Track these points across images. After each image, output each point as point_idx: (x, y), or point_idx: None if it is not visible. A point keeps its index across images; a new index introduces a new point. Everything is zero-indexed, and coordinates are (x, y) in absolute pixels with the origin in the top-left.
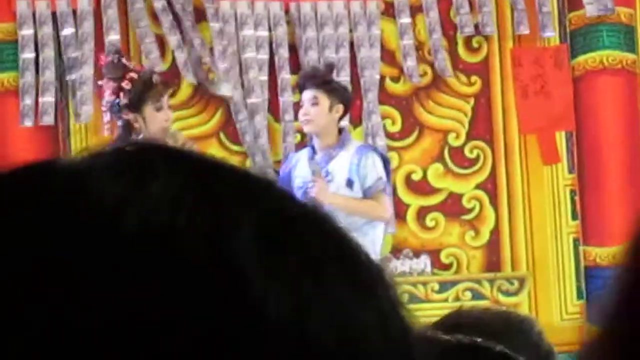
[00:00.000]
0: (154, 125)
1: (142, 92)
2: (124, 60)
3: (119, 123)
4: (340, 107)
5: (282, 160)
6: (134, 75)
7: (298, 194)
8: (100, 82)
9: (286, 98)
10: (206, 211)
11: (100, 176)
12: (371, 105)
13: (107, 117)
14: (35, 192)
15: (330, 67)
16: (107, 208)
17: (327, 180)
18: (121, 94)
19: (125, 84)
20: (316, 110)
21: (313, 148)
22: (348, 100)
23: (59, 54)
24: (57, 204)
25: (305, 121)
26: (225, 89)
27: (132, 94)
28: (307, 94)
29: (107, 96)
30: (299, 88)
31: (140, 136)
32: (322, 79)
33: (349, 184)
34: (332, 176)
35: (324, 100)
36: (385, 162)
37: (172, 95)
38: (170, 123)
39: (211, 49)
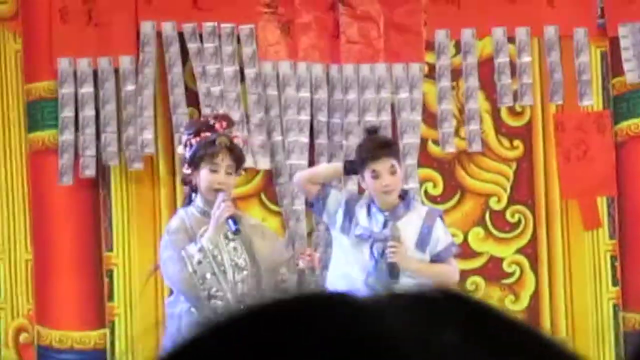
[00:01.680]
0: (205, 185)
1: (200, 149)
2: (213, 122)
3: (183, 178)
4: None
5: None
6: (208, 134)
7: (360, 241)
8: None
9: (324, 161)
10: None
11: (398, 319)
12: (410, 169)
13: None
14: (340, 327)
15: (376, 131)
16: (402, 351)
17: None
18: (186, 150)
19: (195, 140)
20: (395, 179)
21: (376, 206)
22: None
23: (96, 110)
24: (360, 339)
25: (386, 192)
26: (262, 164)
27: (192, 150)
28: (384, 164)
29: (180, 150)
30: (365, 158)
31: (199, 194)
32: (394, 149)
33: (421, 246)
34: (400, 235)
35: (398, 167)
36: (445, 226)
37: (238, 163)
38: (226, 187)
39: (247, 116)
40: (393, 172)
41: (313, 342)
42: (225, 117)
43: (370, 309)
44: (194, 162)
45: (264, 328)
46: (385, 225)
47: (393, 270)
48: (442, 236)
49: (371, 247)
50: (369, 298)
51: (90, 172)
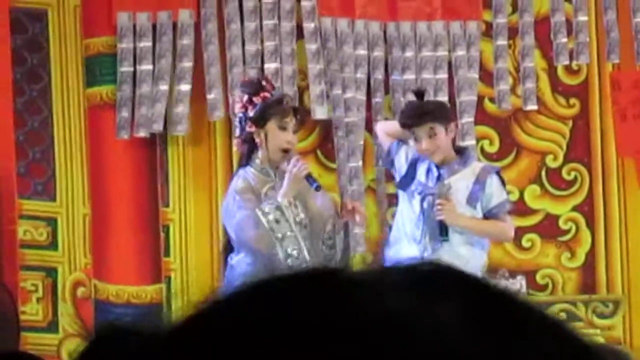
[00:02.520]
0: (274, 143)
1: (270, 107)
2: (264, 82)
3: (243, 137)
4: (452, 126)
5: (376, 180)
6: (267, 94)
7: (413, 197)
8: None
9: (381, 118)
10: (493, 340)
11: (392, 290)
12: (466, 127)
13: (236, 132)
14: (332, 300)
15: (420, 94)
16: (400, 317)
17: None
18: (249, 107)
19: (257, 99)
20: (437, 142)
21: (433, 163)
22: (452, 114)
23: (152, 65)
24: (353, 312)
25: (429, 155)
26: (320, 113)
27: (259, 108)
28: (422, 129)
29: (238, 109)
30: (407, 124)
31: (259, 153)
32: (430, 114)
33: (471, 202)
34: (453, 190)
35: (440, 129)
36: (504, 184)
37: (300, 124)
38: (292, 147)
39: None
40: (432, 135)
41: (308, 319)
42: (268, 79)
43: (366, 285)
44: (261, 120)
45: (265, 306)
46: (439, 180)
47: (441, 227)
48: (496, 193)
49: (421, 202)
50: (364, 273)
51: (144, 130)
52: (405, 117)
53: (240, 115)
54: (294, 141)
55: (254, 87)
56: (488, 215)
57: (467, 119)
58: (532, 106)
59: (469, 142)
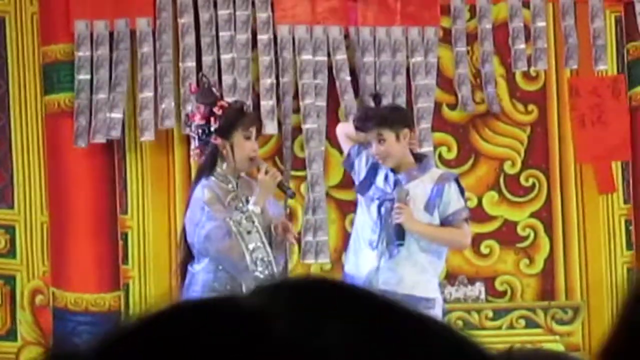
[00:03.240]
0: (241, 153)
1: (234, 119)
2: (213, 88)
3: (205, 148)
4: (406, 132)
5: (339, 185)
6: (224, 103)
7: (371, 202)
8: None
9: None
10: (380, 356)
11: (281, 318)
12: (424, 133)
13: (194, 142)
14: (224, 329)
15: (378, 99)
16: (288, 345)
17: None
18: (212, 119)
19: (217, 110)
20: (385, 148)
21: (390, 169)
22: (409, 120)
23: (109, 73)
24: (243, 343)
25: (380, 160)
26: (270, 128)
27: (223, 120)
28: (371, 134)
29: (198, 120)
30: (358, 129)
31: (225, 165)
32: (378, 119)
33: (429, 208)
34: (411, 196)
35: (389, 135)
36: (462, 192)
37: (258, 130)
38: (256, 154)
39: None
40: (381, 141)
41: (195, 351)
42: (215, 86)
43: (253, 310)
44: (227, 131)
45: (153, 339)
46: (396, 186)
47: (398, 232)
48: (454, 200)
49: (379, 207)
50: (254, 295)
51: (101, 137)
52: (356, 120)
53: (202, 127)
54: (257, 149)
55: (210, 97)
56: (445, 223)
57: (425, 125)
58: (497, 108)
59: (427, 148)
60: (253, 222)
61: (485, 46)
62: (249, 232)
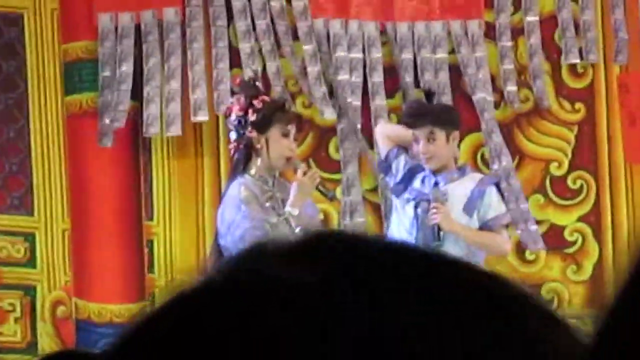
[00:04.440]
0: (277, 150)
1: (273, 113)
2: (257, 83)
3: (240, 143)
4: (456, 134)
5: (376, 189)
6: (266, 98)
7: (409, 206)
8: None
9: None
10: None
11: (273, 262)
12: (490, 124)
13: (233, 135)
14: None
15: (431, 95)
16: (270, 282)
17: (444, 199)
18: (250, 111)
19: (257, 102)
20: (435, 147)
21: (430, 170)
22: (459, 122)
23: (140, 66)
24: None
25: (426, 159)
26: (328, 113)
27: (261, 113)
28: (422, 131)
29: (236, 111)
30: (407, 124)
31: (259, 161)
32: (431, 116)
33: (468, 210)
34: (449, 197)
35: (440, 135)
36: (503, 197)
37: (298, 130)
38: (294, 154)
39: (304, 70)
40: (431, 139)
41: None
42: (259, 81)
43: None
44: (264, 126)
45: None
46: (435, 187)
47: (435, 233)
48: (495, 204)
49: (415, 207)
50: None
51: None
52: (406, 116)
53: (239, 118)
54: (295, 148)
55: (252, 89)
56: (484, 227)
57: (487, 116)
58: (547, 103)
59: (496, 139)
60: (290, 225)
61: (532, 39)
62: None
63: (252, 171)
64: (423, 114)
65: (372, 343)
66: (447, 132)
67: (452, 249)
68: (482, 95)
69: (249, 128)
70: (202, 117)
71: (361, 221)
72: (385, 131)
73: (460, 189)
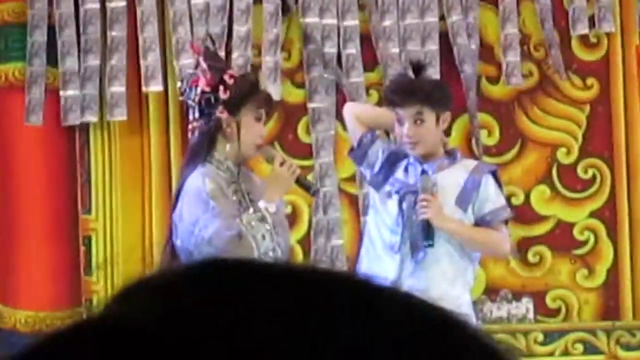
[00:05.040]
0: (249, 136)
1: (248, 92)
2: (220, 54)
3: (205, 124)
4: (447, 115)
5: (354, 177)
6: (234, 73)
7: (392, 200)
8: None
9: (359, 102)
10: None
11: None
12: (472, 105)
13: (193, 114)
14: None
15: (420, 68)
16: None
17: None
18: (221, 88)
19: (228, 78)
20: (423, 130)
21: (415, 157)
22: (451, 101)
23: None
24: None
25: (411, 144)
26: (273, 93)
27: (235, 91)
28: (408, 111)
29: (202, 86)
30: (392, 101)
31: (228, 147)
32: (421, 94)
33: (462, 203)
34: (439, 188)
35: (430, 116)
36: (501, 187)
37: (268, 114)
38: (263, 141)
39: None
40: (419, 121)
41: None
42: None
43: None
44: (236, 107)
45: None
46: (424, 175)
47: (426, 230)
48: (493, 196)
49: (400, 201)
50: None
51: (74, 117)
52: (391, 92)
53: (208, 95)
54: (264, 134)
55: (219, 62)
56: (480, 223)
57: (472, 95)
58: (564, 76)
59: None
60: (266, 223)
61: (541, 2)
62: (263, 237)
63: (217, 158)
64: (411, 91)
65: None
66: (437, 113)
67: (444, 247)
68: (470, 71)
69: (220, 108)
70: (156, 86)
71: (336, 216)
72: (356, 112)
73: (451, 179)
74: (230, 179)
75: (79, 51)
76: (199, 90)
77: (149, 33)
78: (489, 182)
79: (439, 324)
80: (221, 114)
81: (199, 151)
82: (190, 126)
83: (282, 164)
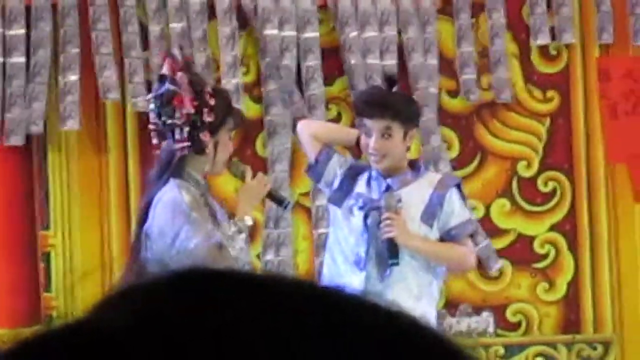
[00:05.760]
0: (224, 153)
1: (227, 113)
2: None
3: (189, 146)
4: (413, 133)
5: (310, 193)
6: (210, 91)
7: (354, 217)
8: None
9: (318, 115)
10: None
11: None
12: (429, 124)
13: (181, 134)
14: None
15: (392, 83)
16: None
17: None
18: (205, 111)
19: (209, 98)
20: (390, 144)
21: (378, 172)
22: (419, 118)
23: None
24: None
25: (376, 157)
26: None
27: (217, 113)
28: (377, 124)
29: (188, 107)
30: (361, 112)
31: (200, 161)
32: (392, 109)
33: (427, 219)
34: (403, 204)
35: (398, 131)
36: (464, 199)
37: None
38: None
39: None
40: (387, 135)
41: None
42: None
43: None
44: (216, 127)
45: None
46: (386, 191)
47: (391, 248)
48: (457, 210)
49: (365, 218)
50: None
51: (17, 138)
52: (362, 103)
53: (193, 117)
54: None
55: (201, 80)
56: (446, 238)
57: (430, 114)
58: (506, 97)
59: (435, 143)
60: (244, 236)
61: (494, 17)
62: (241, 249)
63: (187, 172)
64: (383, 104)
65: None
66: (405, 129)
67: (408, 265)
68: (426, 87)
69: (204, 131)
70: (112, 98)
71: (286, 231)
72: (311, 129)
73: (416, 195)
74: (199, 192)
75: (27, 74)
76: (184, 111)
77: (106, 49)
78: (453, 196)
79: (411, 328)
80: (205, 137)
81: (174, 168)
82: (173, 146)
83: (253, 177)
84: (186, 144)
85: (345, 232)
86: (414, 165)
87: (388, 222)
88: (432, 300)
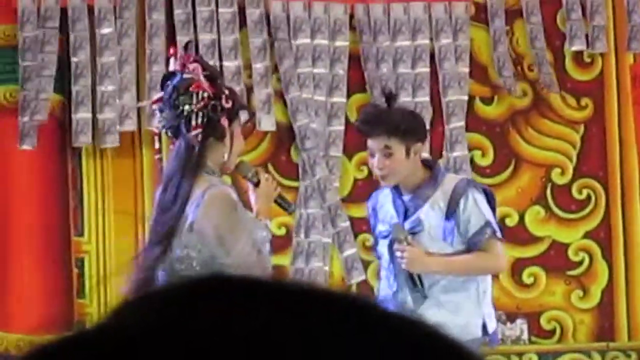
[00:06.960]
0: (238, 147)
1: (240, 105)
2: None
3: (211, 130)
4: (418, 147)
5: (347, 198)
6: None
7: (382, 242)
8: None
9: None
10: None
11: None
12: (456, 133)
13: (196, 119)
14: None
15: (392, 98)
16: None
17: (417, 230)
18: (223, 97)
19: (224, 88)
20: (392, 163)
21: (397, 188)
22: (425, 130)
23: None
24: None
25: (381, 176)
26: (266, 124)
27: (234, 101)
28: (376, 143)
29: (208, 90)
30: (361, 132)
31: (225, 156)
32: (389, 126)
33: (447, 238)
34: (424, 226)
35: (399, 148)
36: (489, 197)
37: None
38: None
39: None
40: (387, 155)
41: None
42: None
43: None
44: (232, 116)
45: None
46: (406, 215)
47: (411, 278)
48: (472, 218)
49: (389, 246)
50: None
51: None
52: (360, 122)
53: (213, 101)
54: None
55: (215, 71)
56: (471, 246)
57: (457, 123)
58: (555, 89)
59: (460, 152)
60: (269, 241)
61: (532, 21)
62: (267, 254)
63: (211, 168)
64: (378, 122)
65: None
66: (407, 144)
67: (436, 287)
68: (453, 97)
69: (224, 117)
70: (130, 126)
71: (317, 239)
72: None
73: (433, 215)
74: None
75: (68, 76)
76: (204, 95)
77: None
78: (468, 204)
79: (430, 334)
80: (224, 122)
81: (201, 158)
82: (193, 134)
83: (254, 175)
84: (200, 130)
85: (382, 259)
86: (432, 168)
87: (398, 254)
88: (475, 308)
